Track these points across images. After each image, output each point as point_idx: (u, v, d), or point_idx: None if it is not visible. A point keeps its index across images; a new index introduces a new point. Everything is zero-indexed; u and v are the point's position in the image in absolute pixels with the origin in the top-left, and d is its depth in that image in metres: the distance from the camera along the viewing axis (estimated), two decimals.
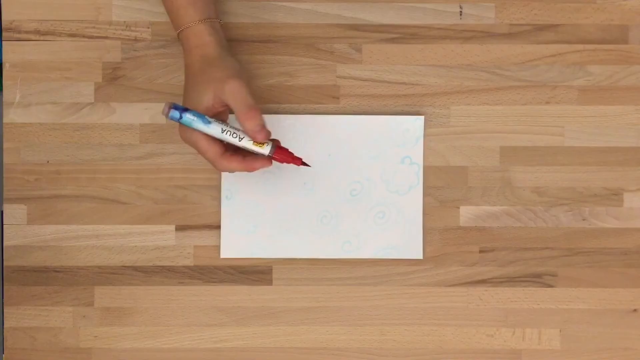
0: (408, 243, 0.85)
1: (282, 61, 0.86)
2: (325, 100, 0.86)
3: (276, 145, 0.75)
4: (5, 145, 0.85)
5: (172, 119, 0.72)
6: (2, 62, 0.86)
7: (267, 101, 0.85)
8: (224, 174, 0.84)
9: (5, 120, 0.85)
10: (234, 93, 0.72)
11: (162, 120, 0.85)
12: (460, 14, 0.86)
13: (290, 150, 0.76)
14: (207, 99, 0.73)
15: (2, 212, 0.86)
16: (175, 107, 0.72)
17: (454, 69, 0.86)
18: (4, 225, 0.85)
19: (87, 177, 0.85)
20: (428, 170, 0.85)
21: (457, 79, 0.86)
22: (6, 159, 0.85)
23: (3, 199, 0.85)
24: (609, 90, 0.86)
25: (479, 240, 0.85)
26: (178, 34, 0.78)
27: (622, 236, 0.86)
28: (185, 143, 0.76)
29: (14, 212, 0.85)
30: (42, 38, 0.85)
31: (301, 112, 0.85)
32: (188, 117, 0.72)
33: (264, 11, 0.86)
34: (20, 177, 0.85)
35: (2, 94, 0.86)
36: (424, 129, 0.85)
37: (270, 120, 0.84)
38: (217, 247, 0.85)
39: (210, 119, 0.72)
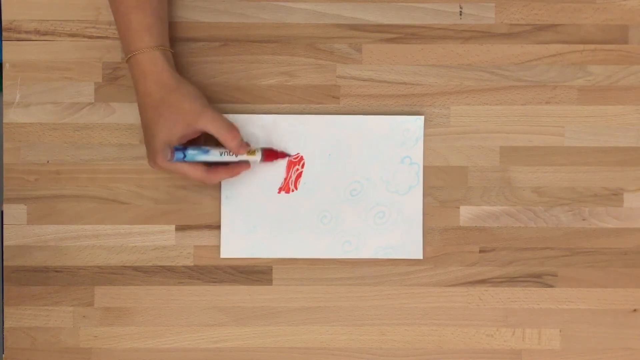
0: (408, 243, 0.85)
1: (282, 61, 0.86)
2: (325, 100, 0.86)
3: (262, 150, 0.82)
4: (5, 145, 0.85)
5: (177, 160, 0.77)
6: (2, 62, 0.86)
7: (267, 101, 0.85)
8: None
9: (5, 120, 0.85)
10: (211, 122, 0.78)
11: None
12: (460, 14, 0.86)
13: (273, 148, 0.84)
14: (180, 130, 0.77)
15: (2, 212, 0.86)
16: (177, 149, 0.77)
17: (453, 69, 0.86)
18: (4, 225, 0.85)
19: (87, 177, 0.85)
20: (428, 170, 0.85)
21: (457, 79, 0.86)
22: (6, 159, 0.85)
23: (3, 199, 0.85)
24: (609, 90, 0.86)
25: (479, 240, 0.85)
26: (129, 58, 0.79)
27: (622, 236, 0.86)
28: (164, 170, 0.80)
29: (14, 212, 0.85)
30: (42, 38, 0.85)
31: (301, 112, 0.85)
32: (190, 153, 0.78)
33: (264, 11, 0.86)
34: (20, 177, 0.85)
35: (2, 94, 0.86)
36: (424, 129, 0.85)
37: (271, 120, 0.84)
38: (217, 247, 0.85)
39: (207, 148, 0.79)
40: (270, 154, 0.83)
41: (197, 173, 0.79)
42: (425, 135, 0.85)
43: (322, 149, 0.85)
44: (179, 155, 0.77)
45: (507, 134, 0.86)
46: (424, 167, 0.85)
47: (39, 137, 0.85)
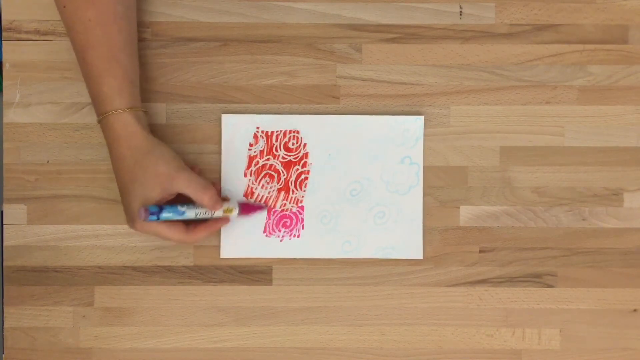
0: (408, 243, 0.85)
1: (282, 61, 0.86)
2: (325, 100, 0.86)
3: (239, 205, 0.82)
4: (5, 145, 0.85)
5: (150, 220, 0.76)
6: (2, 62, 0.86)
7: (267, 101, 0.85)
8: (223, 172, 0.84)
9: (5, 120, 0.85)
10: (186, 184, 0.77)
11: (160, 120, 0.85)
12: (460, 14, 0.86)
13: (251, 201, 0.84)
14: (155, 194, 0.77)
15: (2, 212, 0.86)
16: (152, 211, 0.75)
17: (453, 69, 0.86)
18: (4, 225, 0.85)
19: (87, 177, 0.85)
20: (428, 170, 0.85)
21: (457, 79, 0.86)
22: (6, 159, 0.85)
23: (3, 199, 0.85)
24: (609, 90, 0.86)
25: (479, 240, 0.85)
26: (100, 119, 0.78)
27: (622, 236, 0.86)
28: (144, 234, 0.80)
29: (14, 212, 0.85)
30: (42, 38, 0.85)
31: (301, 112, 0.85)
32: (165, 215, 0.76)
33: (264, 11, 0.86)
34: (20, 177, 0.85)
35: (2, 94, 0.86)
36: (424, 129, 0.85)
37: (271, 120, 0.85)
38: (217, 247, 0.85)
39: (182, 209, 0.77)
40: (247, 208, 0.83)
41: (177, 235, 0.78)
42: (425, 135, 0.85)
43: (322, 149, 0.85)
44: (153, 217, 0.76)
45: (507, 134, 0.86)
46: (424, 167, 0.85)
47: (39, 137, 0.85)
